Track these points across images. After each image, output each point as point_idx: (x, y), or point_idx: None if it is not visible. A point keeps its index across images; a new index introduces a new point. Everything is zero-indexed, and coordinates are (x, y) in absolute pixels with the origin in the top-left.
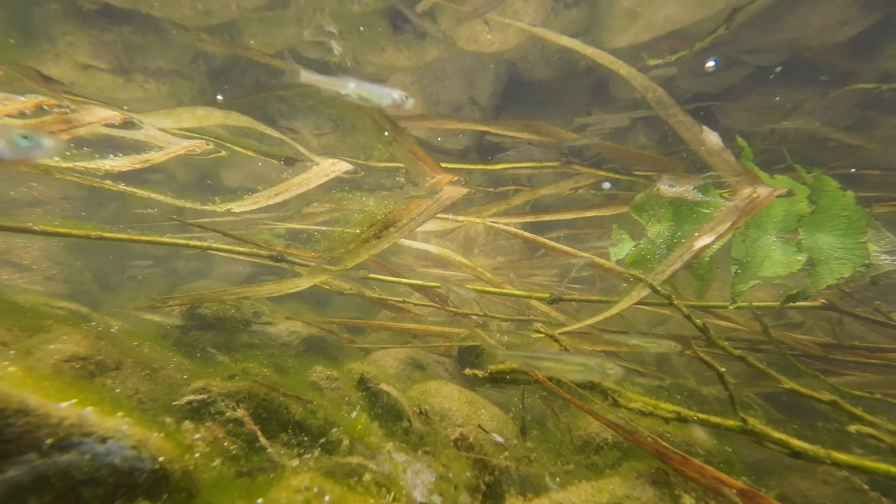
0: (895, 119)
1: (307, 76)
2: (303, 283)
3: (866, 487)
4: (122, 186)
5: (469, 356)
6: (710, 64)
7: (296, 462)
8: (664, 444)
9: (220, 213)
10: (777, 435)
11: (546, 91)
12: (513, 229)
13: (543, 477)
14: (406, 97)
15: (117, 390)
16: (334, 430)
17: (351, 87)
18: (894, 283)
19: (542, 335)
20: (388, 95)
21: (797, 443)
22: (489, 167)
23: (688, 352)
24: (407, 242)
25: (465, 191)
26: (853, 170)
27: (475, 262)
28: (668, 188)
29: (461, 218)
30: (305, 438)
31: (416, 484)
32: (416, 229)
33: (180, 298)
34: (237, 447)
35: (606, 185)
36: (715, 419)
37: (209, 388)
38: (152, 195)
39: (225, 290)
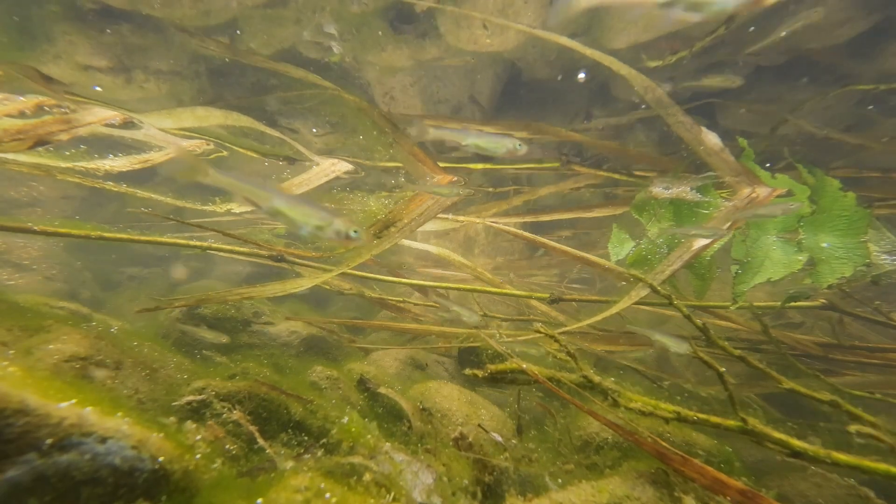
0: (895, 119)
1: (434, 132)
2: (305, 283)
3: (871, 494)
4: (122, 187)
5: (469, 356)
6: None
7: (296, 462)
8: (664, 444)
9: (221, 213)
10: (777, 435)
11: (546, 91)
12: (512, 229)
13: (543, 477)
14: (520, 144)
15: (117, 390)
16: (334, 430)
17: (470, 140)
18: (894, 283)
19: (542, 334)
20: (503, 146)
21: (797, 443)
22: (489, 166)
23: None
24: (407, 242)
25: (464, 191)
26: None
27: (475, 262)
28: (661, 191)
29: (461, 218)
30: (305, 438)
31: (416, 484)
32: (416, 229)
33: (185, 299)
34: (237, 447)
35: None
36: (715, 419)
37: (209, 389)
38: (153, 195)
39: (229, 290)
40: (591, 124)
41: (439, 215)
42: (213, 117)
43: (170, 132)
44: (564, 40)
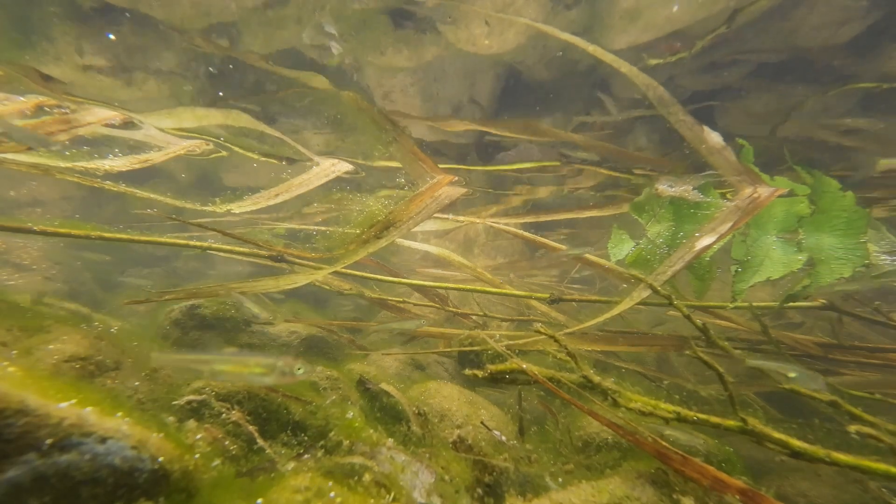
0: (895, 119)
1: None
2: (299, 280)
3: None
4: (122, 186)
5: (469, 356)
6: None
7: (296, 462)
8: (664, 444)
9: (221, 213)
10: (777, 435)
11: (546, 91)
12: (512, 229)
13: (543, 477)
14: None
15: (117, 390)
16: (334, 430)
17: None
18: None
19: (543, 335)
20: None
21: (797, 443)
22: (489, 167)
23: (687, 352)
24: (406, 243)
25: (462, 191)
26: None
27: (475, 262)
28: (667, 188)
29: (461, 218)
30: (305, 438)
31: (416, 484)
32: (414, 228)
33: (176, 293)
34: (237, 447)
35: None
36: (715, 419)
37: (209, 389)
38: (152, 195)
39: (221, 284)
40: (590, 120)
41: (439, 215)
42: (213, 117)
43: (169, 132)
44: (567, 36)
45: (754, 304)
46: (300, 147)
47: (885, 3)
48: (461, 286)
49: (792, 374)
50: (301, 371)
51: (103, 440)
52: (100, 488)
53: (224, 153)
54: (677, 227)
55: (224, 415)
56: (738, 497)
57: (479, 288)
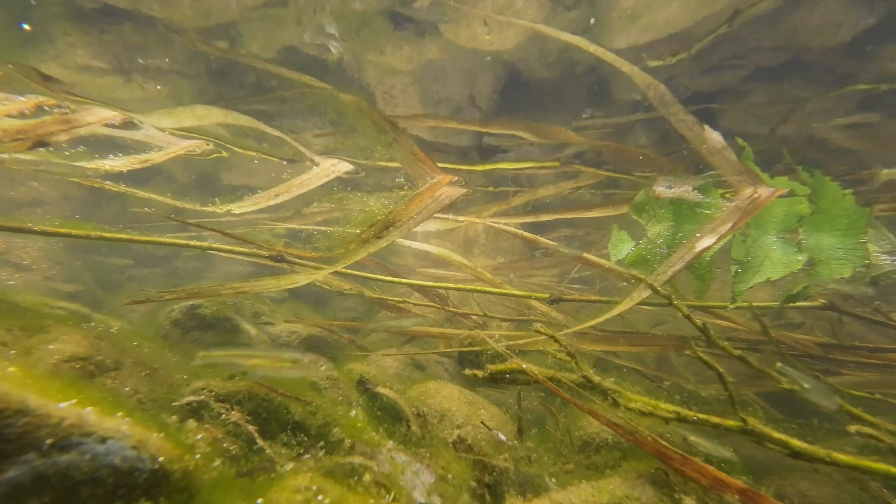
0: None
1: None
2: (300, 280)
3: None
4: (122, 187)
5: (469, 356)
6: None
7: (296, 462)
8: (664, 443)
9: (221, 213)
10: (777, 435)
11: (546, 92)
12: (512, 229)
13: (543, 477)
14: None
15: (117, 390)
16: (334, 430)
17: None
18: (894, 283)
19: (543, 335)
20: None
21: (797, 443)
22: (489, 167)
23: (687, 352)
24: (407, 243)
25: (462, 191)
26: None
27: (475, 262)
28: (664, 189)
29: (461, 218)
30: (305, 438)
31: (416, 484)
32: (414, 228)
33: (176, 293)
34: (237, 447)
35: None
36: (715, 419)
37: (209, 389)
38: (152, 196)
39: (222, 284)
40: (589, 121)
41: (439, 215)
42: (213, 116)
43: (169, 132)
44: (567, 36)
45: (754, 304)
46: (300, 147)
47: (885, 4)
48: (461, 286)
49: (806, 385)
50: (324, 368)
51: (103, 440)
52: (100, 488)
53: (224, 153)
54: (677, 228)
55: (224, 415)
56: (737, 497)
57: (479, 288)
